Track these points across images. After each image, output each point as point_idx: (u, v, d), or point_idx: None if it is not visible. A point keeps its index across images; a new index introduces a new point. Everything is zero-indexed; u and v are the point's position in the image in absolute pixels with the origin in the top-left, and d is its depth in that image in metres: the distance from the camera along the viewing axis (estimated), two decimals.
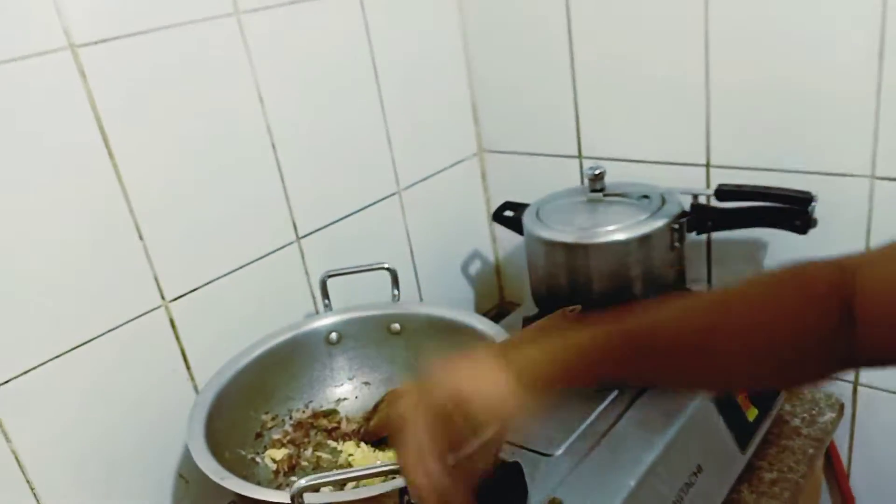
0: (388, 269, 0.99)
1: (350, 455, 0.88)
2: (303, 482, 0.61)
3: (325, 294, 0.99)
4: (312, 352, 0.97)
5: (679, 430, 0.90)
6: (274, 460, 0.88)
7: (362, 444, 0.90)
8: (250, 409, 0.90)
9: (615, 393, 0.97)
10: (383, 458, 0.86)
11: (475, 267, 1.43)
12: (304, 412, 0.95)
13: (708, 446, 0.93)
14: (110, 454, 0.89)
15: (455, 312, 0.94)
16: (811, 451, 1.01)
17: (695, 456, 0.91)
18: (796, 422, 1.07)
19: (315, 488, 0.61)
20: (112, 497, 0.90)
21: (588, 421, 0.92)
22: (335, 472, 0.59)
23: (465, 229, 1.39)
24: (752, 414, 1.00)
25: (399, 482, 0.64)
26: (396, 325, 0.97)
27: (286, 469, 0.87)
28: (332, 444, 0.92)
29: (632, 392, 0.96)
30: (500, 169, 1.37)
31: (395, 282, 0.99)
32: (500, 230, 1.43)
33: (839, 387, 1.11)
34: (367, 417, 0.94)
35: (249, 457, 0.87)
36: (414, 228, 1.27)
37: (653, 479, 0.84)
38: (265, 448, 0.90)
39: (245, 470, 0.85)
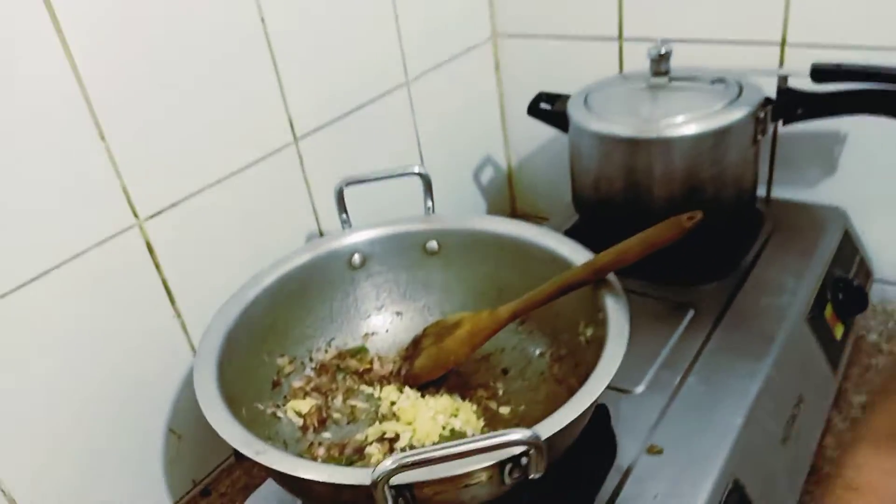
0: (420, 174, 0.80)
1: (393, 403, 0.72)
2: (388, 464, 0.44)
3: (343, 207, 0.79)
4: (332, 279, 0.78)
5: (777, 354, 0.76)
6: (299, 414, 0.71)
7: (406, 388, 0.73)
8: (263, 352, 0.72)
9: (690, 313, 0.82)
10: (438, 408, 0.69)
11: (486, 175, 1.24)
12: (326, 352, 0.77)
13: (806, 371, 0.80)
14: (85, 408, 0.71)
15: (511, 226, 0.76)
16: None
17: (795, 383, 0.78)
18: (873, 336, 0.95)
19: (403, 468, 0.44)
20: (91, 457, 0.72)
21: (667, 348, 0.78)
22: (427, 449, 0.43)
23: (476, 132, 1.20)
24: (838, 331, 0.88)
25: (507, 452, 0.47)
26: (433, 244, 0.79)
27: (316, 424, 0.70)
28: (367, 389, 0.75)
29: (712, 312, 0.82)
30: (518, 57, 1.16)
31: (429, 191, 0.80)
32: (514, 133, 1.24)
33: None
34: (407, 356, 0.77)
35: (269, 411, 0.69)
36: (423, 130, 1.07)
37: (759, 415, 0.71)
38: (285, 399, 0.72)
39: (266, 429, 0.68)
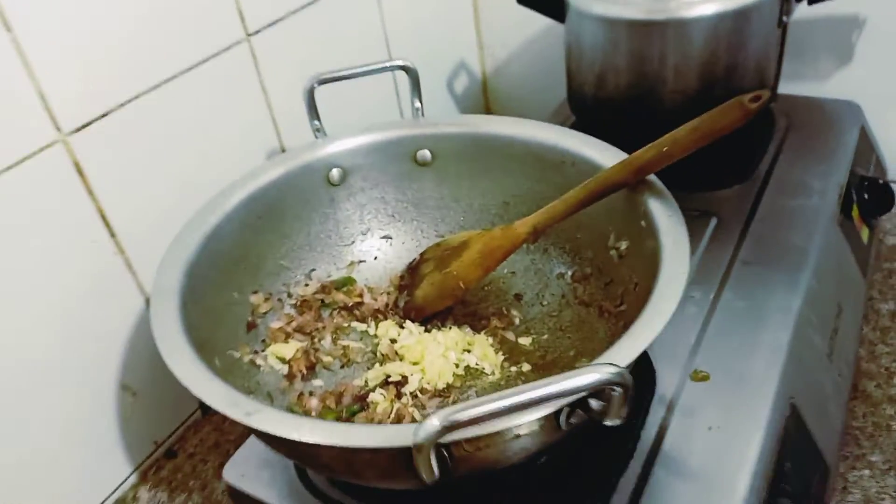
0: (404, 67, 0.67)
1: (393, 341, 0.61)
2: (435, 423, 0.33)
3: (315, 112, 0.66)
4: (308, 199, 0.65)
5: (815, 263, 0.68)
6: (282, 360, 0.59)
7: (407, 323, 0.62)
8: (232, 288, 0.60)
9: (713, 222, 0.73)
10: (447, 343, 0.59)
11: (461, 83, 1.11)
12: (307, 286, 0.65)
13: (841, 279, 0.73)
14: (17, 367, 0.58)
15: (522, 127, 0.65)
16: None
17: (834, 293, 0.70)
18: (892, 240, 0.89)
19: (455, 427, 0.33)
20: (29, 426, 0.60)
21: (694, 262, 0.69)
22: (481, 400, 0.32)
23: (447, 33, 1.06)
24: (864, 234, 0.81)
25: (563, 401, 0.37)
26: (425, 153, 0.67)
27: (303, 370, 0.58)
28: (359, 326, 0.64)
29: (737, 219, 0.73)
30: None
31: (417, 88, 0.68)
32: (489, 35, 1.11)
33: None
34: (403, 286, 0.65)
35: (247, 359, 0.57)
36: (393, 28, 0.93)
37: (805, 330, 0.63)
38: (264, 344, 0.60)
39: (245, 380, 0.56)
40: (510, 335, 0.61)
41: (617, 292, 0.58)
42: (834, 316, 0.68)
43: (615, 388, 0.35)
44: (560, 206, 0.56)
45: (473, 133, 0.66)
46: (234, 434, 0.76)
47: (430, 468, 0.34)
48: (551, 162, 0.62)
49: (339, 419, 0.54)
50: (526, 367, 0.58)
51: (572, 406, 0.40)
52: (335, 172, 0.66)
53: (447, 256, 0.62)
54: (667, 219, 0.51)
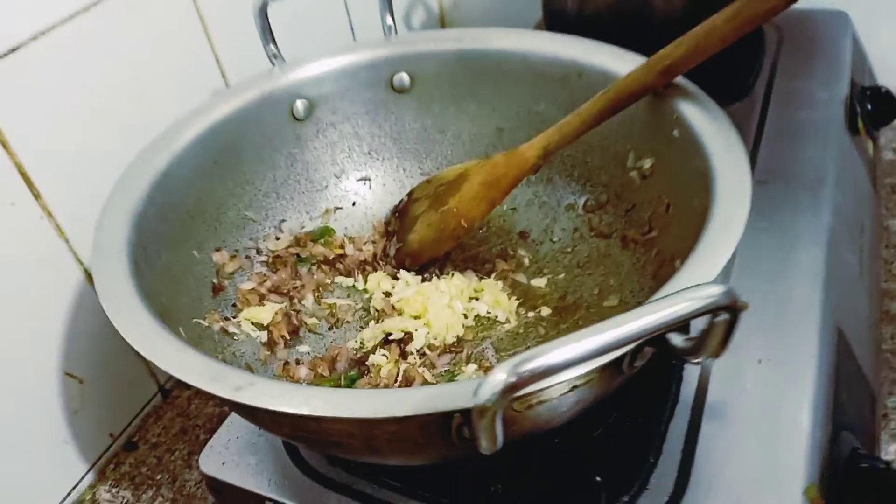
0: None
1: (387, 294, 0.52)
2: (501, 377, 0.25)
3: (270, 34, 0.55)
4: (269, 137, 0.56)
5: (836, 176, 0.63)
6: (260, 326, 0.50)
7: (402, 273, 0.53)
8: (190, 246, 0.50)
9: None
10: (452, 292, 0.51)
11: (417, 17, 1.01)
12: (278, 239, 0.56)
13: (858, 194, 0.68)
14: None
15: (516, 38, 0.56)
16: None
17: (855, 208, 0.65)
18: (889, 154, 0.84)
19: (527, 380, 0.25)
20: None
21: None
22: (551, 345, 0.24)
23: None
24: (871, 147, 0.76)
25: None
26: (403, 77, 0.58)
27: (286, 336, 0.49)
28: (344, 280, 0.55)
29: (745, 135, 0.67)
30: None
31: (389, 6, 0.58)
32: None
33: None
34: (392, 231, 0.57)
35: (216, 327, 0.48)
36: None
37: (839, 248, 0.58)
38: (236, 309, 0.51)
39: (218, 352, 0.47)
40: (521, 277, 0.53)
41: (643, 218, 0.50)
42: (859, 232, 0.63)
43: (722, 313, 0.27)
44: (574, 122, 0.48)
45: (458, 50, 0.57)
46: (202, 417, 0.67)
47: (494, 434, 0.26)
48: (553, 76, 0.54)
49: (336, 387, 0.46)
50: (545, 311, 0.51)
51: (642, 343, 0.32)
52: (300, 105, 0.56)
53: (443, 193, 0.53)
54: (711, 122, 0.43)
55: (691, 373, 0.48)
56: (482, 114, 0.59)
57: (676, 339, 0.31)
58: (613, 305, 0.49)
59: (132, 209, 0.44)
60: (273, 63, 0.56)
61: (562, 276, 0.53)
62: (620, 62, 0.50)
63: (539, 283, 0.53)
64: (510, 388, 0.25)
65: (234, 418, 0.50)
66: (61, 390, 0.58)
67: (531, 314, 0.51)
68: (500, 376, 0.25)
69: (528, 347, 0.48)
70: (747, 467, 0.43)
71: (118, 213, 0.43)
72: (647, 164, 0.50)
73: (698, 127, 0.44)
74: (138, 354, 0.34)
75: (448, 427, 0.30)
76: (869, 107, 0.75)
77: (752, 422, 0.45)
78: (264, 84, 0.55)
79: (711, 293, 0.27)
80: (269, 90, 0.55)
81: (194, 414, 0.67)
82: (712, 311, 0.27)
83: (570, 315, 0.50)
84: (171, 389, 0.69)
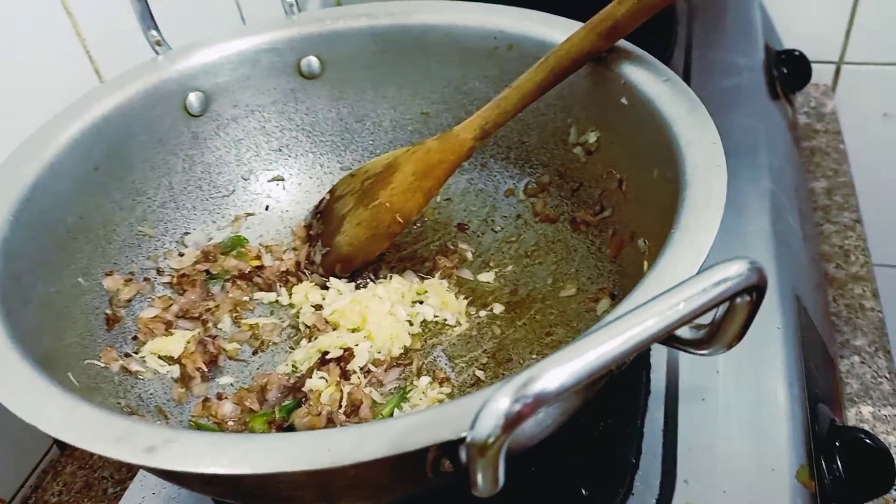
0: None
1: (317, 308, 0.46)
2: (504, 403, 0.19)
3: (150, 17, 0.47)
4: (161, 137, 0.48)
5: (769, 142, 0.61)
6: (168, 359, 0.42)
7: (333, 281, 0.47)
8: (74, 272, 0.41)
9: None
10: (392, 297, 0.45)
11: None
12: (182, 256, 0.48)
13: (787, 157, 0.66)
14: None
15: (440, 10, 0.50)
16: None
17: (788, 171, 0.63)
18: (803, 118, 0.85)
19: (531, 409, 0.20)
20: None
21: None
22: (568, 353, 0.19)
23: None
24: (790, 111, 0.75)
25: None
26: (312, 61, 0.51)
27: (203, 367, 0.42)
28: (265, 296, 0.48)
29: None
30: None
31: None
32: None
33: None
34: (315, 235, 0.50)
35: (115, 367, 0.40)
36: None
37: (782, 213, 0.56)
38: (138, 342, 0.43)
39: (120, 396, 0.39)
40: (466, 274, 0.48)
41: (592, 197, 0.46)
42: (796, 194, 0.62)
43: (744, 295, 0.23)
44: (513, 96, 0.43)
45: (372, 27, 0.51)
46: (109, 468, 0.58)
47: (496, 474, 0.21)
48: (481, 50, 0.49)
49: (270, 423, 0.39)
50: (497, 307, 0.46)
51: None
52: (193, 99, 0.49)
53: (371, 186, 0.47)
54: (664, 85, 0.39)
55: (658, 359, 0.45)
56: (404, 97, 0.53)
57: (682, 330, 0.26)
58: (571, 294, 0.44)
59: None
60: (157, 52, 0.49)
61: (510, 268, 0.48)
62: (554, 29, 0.46)
63: (486, 277, 0.48)
64: (516, 419, 0.19)
65: (144, 475, 0.43)
66: None
67: (483, 313, 0.45)
68: (501, 404, 0.19)
69: (485, 351, 0.43)
70: (733, 456, 0.40)
71: None
72: (591, 138, 0.46)
73: (650, 91, 0.40)
74: None
75: (422, 462, 0.24)
76: (785, 70, 0.75)
77: (729, 405, 0.42)
78: (149, 76, 0.47)
79: (736, 273, 0.22)
80: (156, 83, 0.47)
81: (99, 465, 0.58)
82: (737, 294, 0.22)
83: (526, 310, 0.45)
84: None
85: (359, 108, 0.54)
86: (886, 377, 0.58)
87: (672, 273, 0.28)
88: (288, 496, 0.28)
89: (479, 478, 0.21)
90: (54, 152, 0.41)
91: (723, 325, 0.24)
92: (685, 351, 0.26)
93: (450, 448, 0.23)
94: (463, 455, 0.23)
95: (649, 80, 0.40)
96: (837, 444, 0.41)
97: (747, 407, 0.41)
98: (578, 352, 0.20)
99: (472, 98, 0.51)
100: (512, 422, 0.19)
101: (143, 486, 0.42)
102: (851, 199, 0.73)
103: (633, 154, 0.42)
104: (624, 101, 0.42)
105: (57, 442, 0.59)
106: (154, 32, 0.48)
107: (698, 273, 0.23)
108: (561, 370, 0.20)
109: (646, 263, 0.39)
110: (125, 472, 0.58)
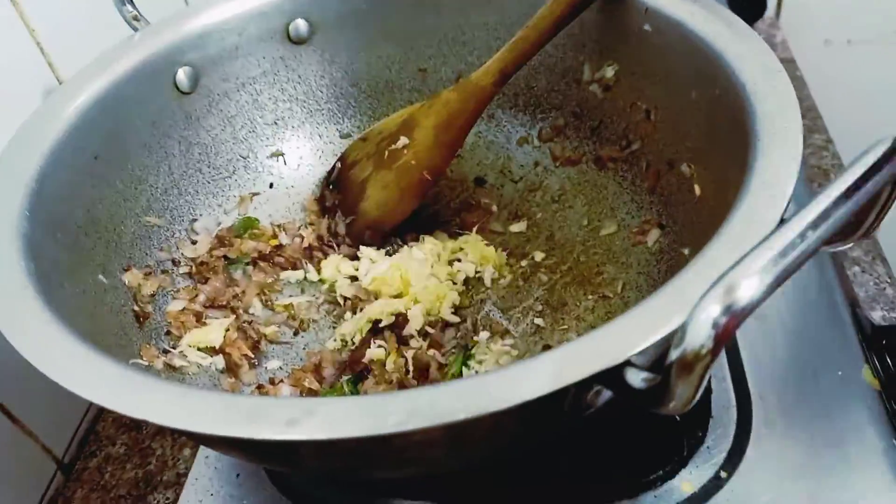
0: None
1: (353, 279, 0.44)
2: (715, 308, 0.18)
3: None
4: (153, 119, 0.44)
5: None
6: (210, 350, 0.39)
7: (364, 250, 0.45)
8: (93, 270, 0.38)
9: None
10: (430, 258, 0.43)
11: None
12: (195, 244, 0.44)
13: None
14: None
15: None
16: None
17: None
18: None
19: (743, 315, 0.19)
20: None
21: None
22: (770, 244, 0.18)
23: None
24: None
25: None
26: (300, 25, 0.49)
27: (249, 354, 0.39)
28: (292, 275, 0.45)
29: None
30: None
31: None
32: None
33: None
34: (331, 206, 0.47)
35: (158, 364, 0.37)
36: None
37: None
38: (173, 337, 0.39)
39: None
40: (497, 226, 0.47)
41: (616, 132, 0.46)
42: None
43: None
44: (530, 35, 0.42)
45: None
46: (124, 485, 0.53)
47: (698, 387, 0.20)
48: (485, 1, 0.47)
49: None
50: (538, 255, 0.45)
51: None
52: (182, 74, 0.45)
53: (388, 149, 0.45)
54: (691, 4, 0.39)
55: None
56: (398, 55, 0.51)
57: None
58: (612, 232, 0.44)
59: (16, 229, 0.31)
60: (135, 28, 0.45)
61: (539, 215, 0.47)
62: None
63: (518, 227, 0.46)
64: (729, 327, 0.18)
65: (196, 476, 0.40)
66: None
67: (524, 262, 0.44)
68: (711, 310, 0.18)
69: (537, 299, 0.42)
70: (798, 366, 0.40)
71: (2, 238, 0.31)
72: (608, 72, 0.45)
73: (679, 13, 0.39)
74: (23, 429, 0.24)
75: (581, 394, 0.23)
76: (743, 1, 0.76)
77: (783, 319, 0.43)
78: (133, 53, 0.43)
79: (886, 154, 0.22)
80: (143, 59, 0.43)
81: (112, 483, 0.54)
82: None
83: (568, 253, 0.44)
84: (74, 462, 0.55)
85: (352, 71, 0.51)
86: (888, 282, 0.60)
87: (776, 180, 0.28)
88: (413, 457, 0.26)
89: (680, 392, 0.20)
90: (53, 140, 0.37)
91: (865, 210, 0.24)
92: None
93: (610, 375, 0.22)
94: (633, 378, 0.22)
95: (673, 1, 0.40)
96: (884, 342, 0.43)
97: (801, 318, 0.42)
98: (770, 252, 0.19)
99: (472, 48, 0.49)
100: (725, 331, 0.18)
101: (196, 489, 0.39)
102: (819, 121, 0.76)
103: (661, 81, 0.42)
104: (647, 27, 0.41)
105: (61, 467, 0.54)
106: (130, 7, 0.44)
107: (849, 167, 0.22)
108: (761, 271, 0.19)
109: (697, 187, 0.38)
110: (143, 488, 0.54)
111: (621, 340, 0.22)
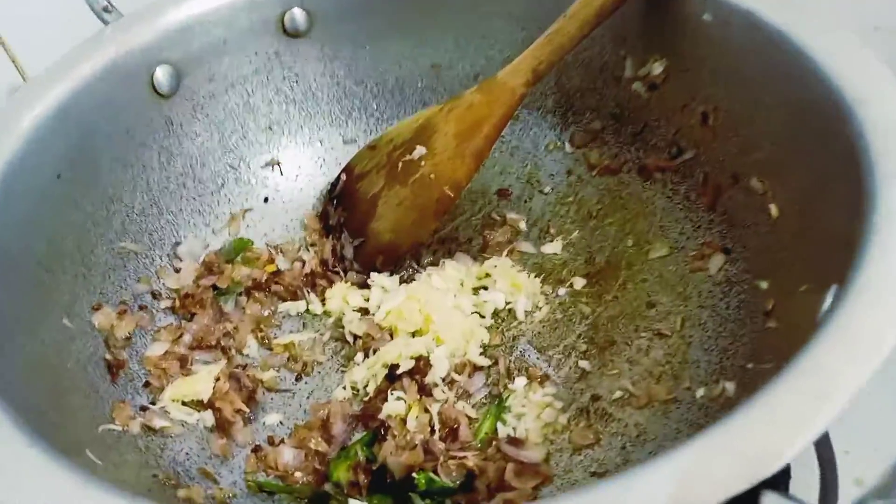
0: None
1: (364, 312, 0.37)
2: None
3: None
4: (129, 126, 0.38)
5: None
6: (196, 405, 0.33)
7: (375, 277, 0.39)
8: (56, 313, 0.32)
9: None
10: (451, 287, 0.37)
11: None
12: (178, 271, 0.38)
13: None
14: None
15: None
16: None
17: None
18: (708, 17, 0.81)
19: None
20: None
21: None
22: None
23: None
24: None
25: None
26: (297, 15, 0.42)
27: (242, 408, 0.33)
28: (292, 307, 0.39)
29: None
30: None
31: None
32: None
33: None
34: (336, 224, 0.41)
35: (135, 429, 0.31)
36: None
37: None
38: (151, 389, 0.33)
39: (151, 468, 0.30)
40: (526, 247, 0.41)
41: (664, 137, 0.39)
42: None
43: None
44: (569, 27, 0.36)
45: None
46: None
47: None
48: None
49: (355, 469, 0.30)
50: (578, 282, 0.39)
51: None
52: (161, 74, 0.39)
53: (401, 160, 0.38)
54: None
55: None
56: (408, 50, 0.45)
57: None
58: (663, 255, 0.38)
59: None
60: (105, 20, 0.38)
61: (576, 233, 0.41)
62: None
63: (552, 248, 0.40)
64: None
65: None
66: None
67: (562, 290, 0.38)
68: None
69: (580, 336, 0.36)
70: None
71: None
72: (656, 69, 0.39)
73: (748, 1, 0.33)
74: None
75: None
76: None
77: None
78: (104, 50, 0.37)
79: None
80: (113, 58, 0.37)
81: None
82: None
83: (612, 280, 0.38)
84: None
85: (356, 67, 0.45)
86: None
87: None
88: None
89: None
90: (5, 160, 0.31)
91: None
92: None
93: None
94: None
95: None
96: None
97: None
98: None
99: (493, 41, 0.43)
100: None
101: None
102: None
103: (722, 80, 0.36)
104: (707, 17, 0.35)
105: None
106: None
107: None
108: None
109: (773, 207, 0.32)
110: None
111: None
